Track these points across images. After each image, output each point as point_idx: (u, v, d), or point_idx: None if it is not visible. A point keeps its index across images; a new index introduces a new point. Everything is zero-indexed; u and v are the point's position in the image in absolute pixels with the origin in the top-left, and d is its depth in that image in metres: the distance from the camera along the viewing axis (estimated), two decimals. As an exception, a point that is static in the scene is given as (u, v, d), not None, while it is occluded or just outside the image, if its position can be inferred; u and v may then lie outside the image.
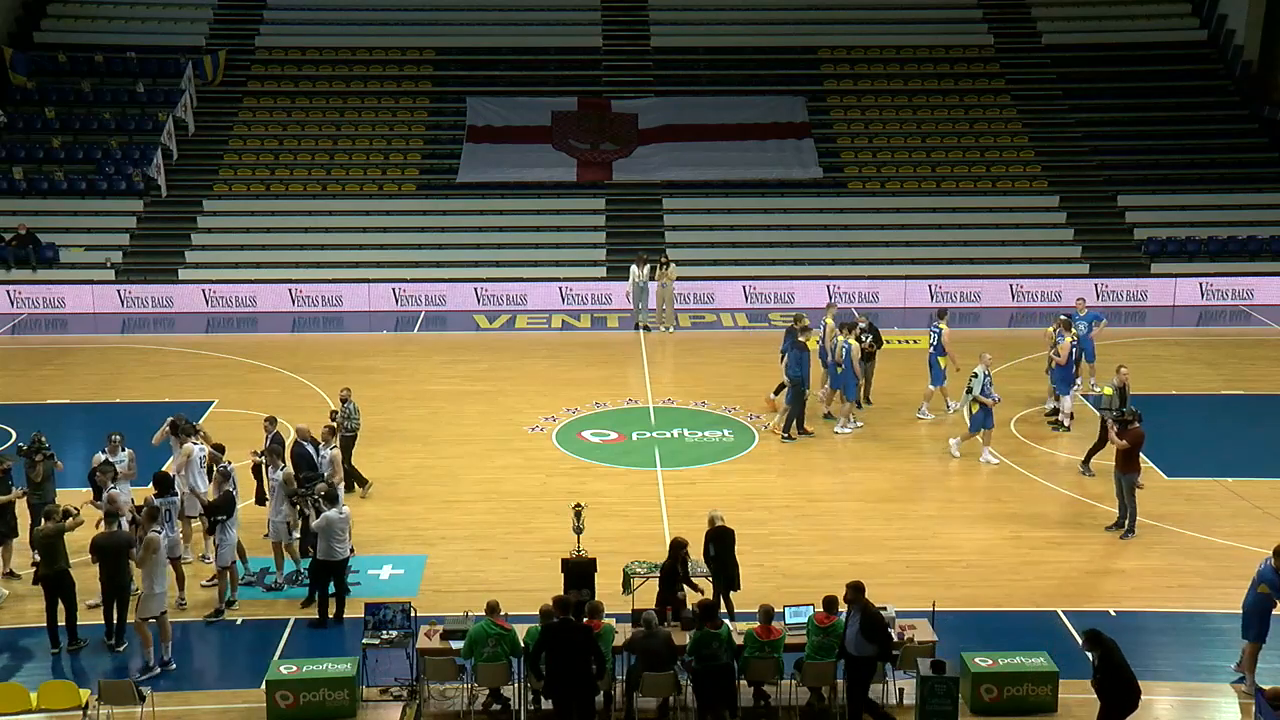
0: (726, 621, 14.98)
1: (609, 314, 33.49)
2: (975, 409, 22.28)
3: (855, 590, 14.52)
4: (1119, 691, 13.74)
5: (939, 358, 24.53)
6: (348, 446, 20.84)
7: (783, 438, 23.73)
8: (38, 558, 16.68)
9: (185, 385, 27.17)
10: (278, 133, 39.28)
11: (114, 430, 19.18)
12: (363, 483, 21.16)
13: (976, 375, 22.13)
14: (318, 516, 17.10)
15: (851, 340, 23.73)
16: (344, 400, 21.18)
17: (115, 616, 16.42)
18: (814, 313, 33.63)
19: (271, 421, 19.51)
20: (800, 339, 23.58)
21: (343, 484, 19.19)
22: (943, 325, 24.55)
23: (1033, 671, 14.92)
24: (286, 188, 37.54)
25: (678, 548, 16.10)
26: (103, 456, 18.59)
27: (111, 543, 16.11)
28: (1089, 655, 14.00)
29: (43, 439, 18.75)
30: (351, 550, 17.57)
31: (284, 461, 18.47)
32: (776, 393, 25.03)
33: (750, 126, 38.88)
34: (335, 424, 20.13)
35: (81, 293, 33.91)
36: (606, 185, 37.80)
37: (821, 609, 14.84)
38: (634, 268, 31.55)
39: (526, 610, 15.48)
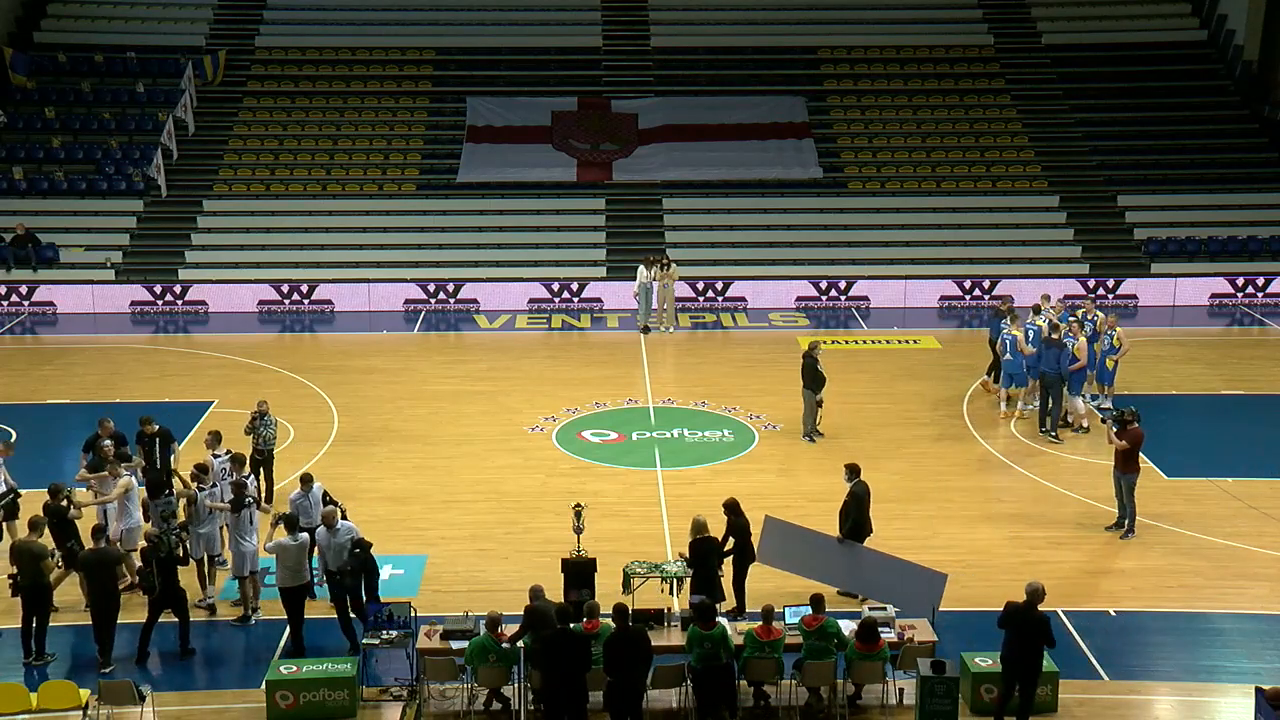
0: (723, 621, 14.96)
1: (609, 314, 33.48)
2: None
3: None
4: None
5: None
6: (267, 463, 20.19)
7: (1050, 436, 23.72)
8: (15, 569, 16.14)
9: (185, 385, 27.19)
10: (278, 133, 39.26)
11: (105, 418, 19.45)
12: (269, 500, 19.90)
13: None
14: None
15: (1015, 331, 24.36)
16: (262, 414, 20.27)
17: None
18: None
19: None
20: (1055, 337, 23.59)
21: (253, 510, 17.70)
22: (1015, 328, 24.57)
23: (1032, 671, 14.93)
24: (286, 188, 37.51)
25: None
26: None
27: (100, 559, 15.96)
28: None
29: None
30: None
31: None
32: (990, 373, 26.04)
33: (750, 126, 38.84)
34: (254, 443, 19.54)
35: (81, 293, 33.90)
36: (606, 185, 37.77)
37: (810, 610, 14.87)
38: (641, 269, 31.44)
39: (526, 610, 15.49)
